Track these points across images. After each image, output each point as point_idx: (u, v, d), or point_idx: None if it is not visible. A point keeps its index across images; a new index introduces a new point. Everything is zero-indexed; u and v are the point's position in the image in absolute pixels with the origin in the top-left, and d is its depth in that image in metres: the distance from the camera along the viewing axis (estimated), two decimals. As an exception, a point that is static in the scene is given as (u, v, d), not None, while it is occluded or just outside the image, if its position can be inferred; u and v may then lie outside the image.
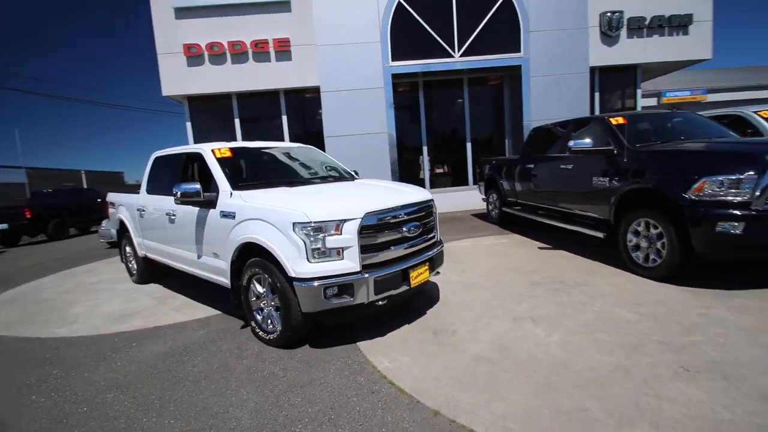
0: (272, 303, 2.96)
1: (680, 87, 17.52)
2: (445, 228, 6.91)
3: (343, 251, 2.71)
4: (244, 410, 2.20)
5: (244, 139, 9.40)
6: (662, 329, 2.73)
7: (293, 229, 2.68)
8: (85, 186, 22.15)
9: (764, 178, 3.06)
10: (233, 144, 3.96)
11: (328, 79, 8.68)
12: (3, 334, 3.81)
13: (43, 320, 4.14)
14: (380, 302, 2.87)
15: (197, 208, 3.54)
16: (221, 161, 3.59)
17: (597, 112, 9.87)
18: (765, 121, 5.02)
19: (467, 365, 2.49)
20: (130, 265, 5.35)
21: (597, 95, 9.98)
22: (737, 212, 3.11)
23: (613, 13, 9.28)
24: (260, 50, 8.86)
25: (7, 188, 20.07)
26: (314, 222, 2.66)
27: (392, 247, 2.93)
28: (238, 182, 3.41)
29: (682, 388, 2.05)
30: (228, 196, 3.25)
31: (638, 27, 9.41)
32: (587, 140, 4.51)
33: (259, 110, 9.65)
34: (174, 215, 3.89)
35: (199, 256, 3.65)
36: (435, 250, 3.34)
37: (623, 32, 9.46)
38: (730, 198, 3.18)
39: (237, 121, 9.42)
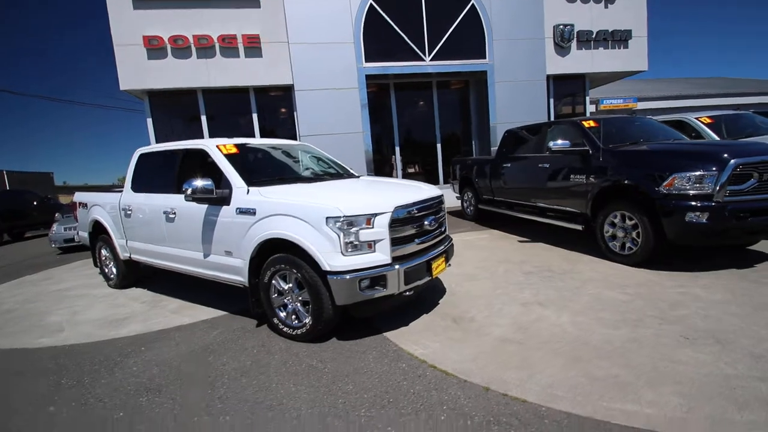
0: (299, 298, 2.96)
1: (615, 95, 19.35)
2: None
3: (374, 244, 2.79)
4: (300, 401, 2.22)
5: (211, 135, 9.00)
6: (653, 306, 3.12)
7: (326, 224, 2.72)
8: (7, 188, 19.75)
9: (723, 174, 3.59)
10: (236, 140, 3.87)
11: (302, 77, 8.60)
12: (-25, 349, 3.41)
13: (15, 331, 3.76)
14: (408, 292, 2.99)
15: (205, 206, 3.42)
16: (228, 158, 3.51)
17: (552, 117, 10.67)
18: (704, 126, 5.81)
19: (497, 347, 2.69)
20: (107, 270, 4.97)
21: (551, 101, 10.79)
22: (702, 204, 3.63)
23: (565, 26, 10.11)
24: (228, 45, 8.55)
25: None
26: (348, 216, 2.72)
27: (416, 240, 3.06)
28: (251, 179, 3.35)
29: (688, 353, 2.40)
30: (244, 193, 3.19)
31: (586, 40, 10.33)
32: (565, 141, 4.94)
33: (228, 107, 9.31)
34: (173, 214, 3.71)
35: (205, 255, 3.53)
36: (448, 243, 3.52)
37: (574, 44, 10.34)
38: (695, 191, 3.69)
39: (204, 118, 9.01)
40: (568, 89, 11.01)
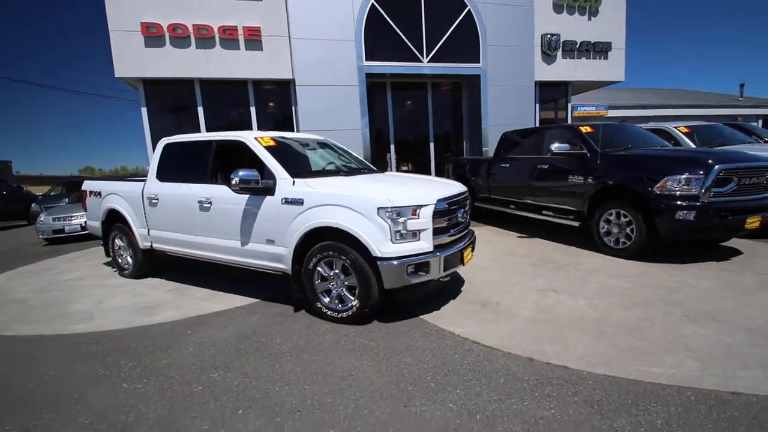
0: (345, 283, 3.18)
1: (588, 103, 20.42)
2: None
3: (419, 233, 3.06)
4: (367, 372, 2.45)
5: (208, 128, 8.93)
6: (654, 292, 3.55)
7: (377, 214, 2.96)
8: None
9: (708, 178, 4.10)
10: (270, 133, 4.01)
11: (303, 73, 8.68)
12: (8, 334, 3.40)
13: (42, 319, 3.75)
14: (445, 278, 3.27)
15: (245, 196, 3.56)
16: (269, 150, 3.66)
17: (537, 122, 11.25)
18: (682, 134, 6.43)
19: (528, 326, 3.02)
20: (120, 260, 4.95)
21: (537, 106, 11.38)
22: (690, 203, 4.12)
23: (552, 35, 10.69)
24: (229, 37, 8.51)
25: None
26: (397, 207, 2.97)
27: (451, 231, 3.35)
28: (293, 171, 3.52)
29: (692, 328, 2.81)
30: (290, 184, 3.36)
31: (571, 49, 10.97)
32: (566, 144, 5.37)
33: (225, 99, 9.23)
34: (208, 203, 3.81)
35: (243, 244, 3.66)
36: (472, 235, 3.83)
37: (559, 53, 10.95)
38: (684, 192, 4.18)
39: (200, 109, 8.91)
40: (552, 95, 11.63)
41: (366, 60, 9.03)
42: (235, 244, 3.72)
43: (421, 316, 3.29)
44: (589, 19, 10.96)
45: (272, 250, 3.48)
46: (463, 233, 3.56)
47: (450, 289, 3.93)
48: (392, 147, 10.26)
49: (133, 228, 4.57)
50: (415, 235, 3.05)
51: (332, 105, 8.89)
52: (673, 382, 2.17)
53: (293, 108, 9.38)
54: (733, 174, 4.15)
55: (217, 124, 9.05)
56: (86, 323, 3.57)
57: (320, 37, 8.67)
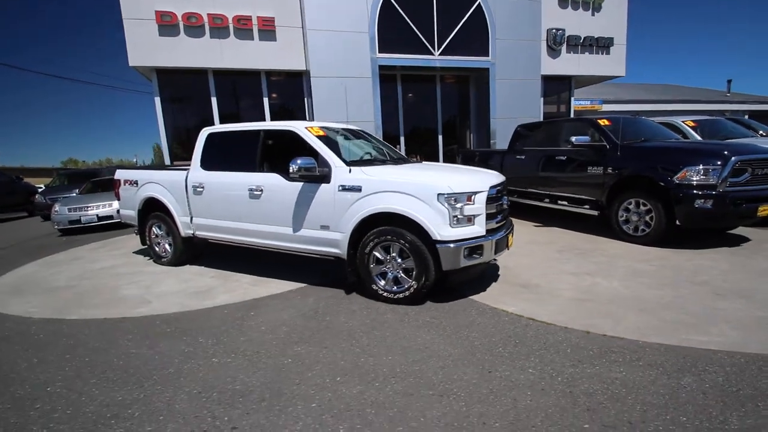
0: (402, 266, 3.37)
1: (584, 97, 20.85)
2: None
3: (474, 218, 3.26)
4: (441, 344, 2.66)
5: (221, 117, 8.95)
6: (679, 274, 3.84)
7: (437, 200, 3.15)
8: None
9: (725, 169, 4.39)
10: (316, 123, 4.14)
11: (318, 64, 8.75)
12: (73, 318, 3.51)
13: (98, 303, 3.86)
14: (494, 260, 3.49)
15: (298, 184, 3.71)
16: (321, 139, 3.80)
17: (542, 115, 11.53)
18: (689, 128, 6.77)
19: (574, 304, 3.26)
20: (158, 248, 5.05)
21: (541, 100, 11.65)
22: (708, 192, 4.42)
23: (557, 30, 10.94)
24: (243, 27, 8.52)
25: None
26: (456, 193, 3.16)
27: (498, 216, 3.56)
28: (344, 159, 3.67)
29: (724, 304, 3.09)
30: (347, 172, 3.52)
31: (575, 44, 11.25)
32: (586, 137, 5.63)
33: (238, 89, 9.26)
34: (259, 191, 3.95)
35: (295, 230, 3.82)
36: (511, 222, 4.05)
37: (564, 48, 11.22)
38: (702, 182, 4.47)
39: (214, 100, 8.92)
40: (556, 89, 11.92)
41: (379, 52, 9.13)
42: (286, 231, 3.87)
43: (471, 297, 3.52)
44: (593, 15, 11.24)
45: (327, 235, 3.64)
46: (506, 219, 3.78)
47: (489, 272, 4.16)
48: (402, 139, 10.42)
49: (175, 216, 4.67)
50: (470, 220, 3.25)
51: (346, 97, 8.97)
52: (722, 348, 2.44)
53: (306, 99, 9.45)
54: (747, 165, 4.46)
55: (231, 114, 9.08)
56: (145, 307, 3.69)
57: (335, 28, 8.73)
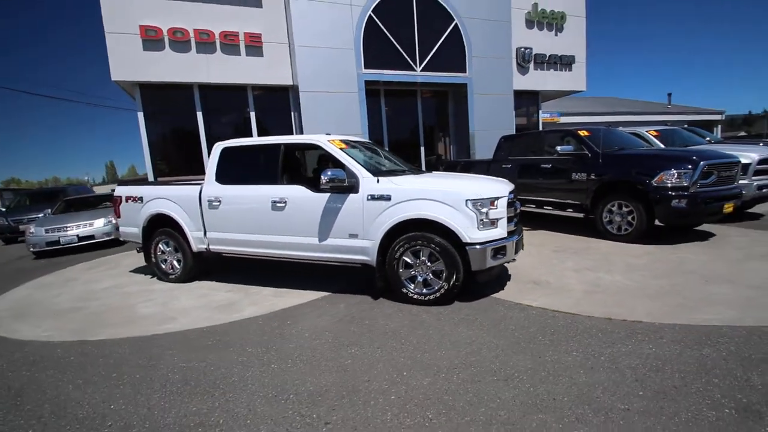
0: (432, 269, 3.58)
1: (544, 110, 22.25)
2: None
3: (497, 221, 3.54)
4: (486, 337, 2.88)
5: (207, 132, 8.85)
6: (668, 266, 4.30)
7: (465, 205, 3.41)
8: None
9: (696, 172, 4.99)
10: (336, 137, 4.31)
11: (306, 79, 8.89)
12: (99, 338, 3.41)
13: (120, 322, 3.77)
14: (513, 260, 3.78)
15: (324, 195, 3.85)
16: (344, 152, 3.97)
17: (514, 127, 12.24)
18: (653, 137, 7.53)
19: (587, 296, 3.60)
20: (164, 265, 4.94)
21: (514, 113, 12.39)
22: (682, 193, 4.99)
23: (525, 48, 11.76)
24: (230, 42, 8.55)
25: None
26: (482, 198, 3.44)
27: (515, 219, 3.87)
28: (371, 170, 3.86)
29: (715, 288, 3.54)
30: (375, 182, 3.71)
31: (541, 62, 12.12)
32: (570, 146, 6.15)
33: (224, 104, 9.19)
34: (282, 203, 4.03)
35: (321, 240, 3.93)
36: (521, 225, 4.38)
37: (531, 65, 12.06)
38: (677, 184, 5.05)
39: (200, 114, 8.81)
40: (525, 103, 12.72)
41: (365, 68, 9.43)
42: (312, 241, 3.98)
43: (492, 295, 3.77)
44: (556, 35, 12.19)
45: (356, 243, 3.79)
46: (519, 222, 4.10)
47: (502, 273, 4.45)
48: (387, 149, 10.70)
49: (187, 231, 4.63)
50: (493, 223, 3.53)
51: (334, 111, 9.17)
52: (725, 324, 2.83)
53: (292, 113, 9.55)
54: (714, 168, 5.10)
55: (218, 130, 9.00)
56: (172, 323, 3.65)
57: (322, 45, 8.94)
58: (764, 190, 6.17)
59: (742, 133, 39.38)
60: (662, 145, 7.39)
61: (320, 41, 8.91)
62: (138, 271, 5.72)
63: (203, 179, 4.60)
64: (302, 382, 2.44)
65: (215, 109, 9.07)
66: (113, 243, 8.08)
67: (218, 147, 4.57)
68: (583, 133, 6.37)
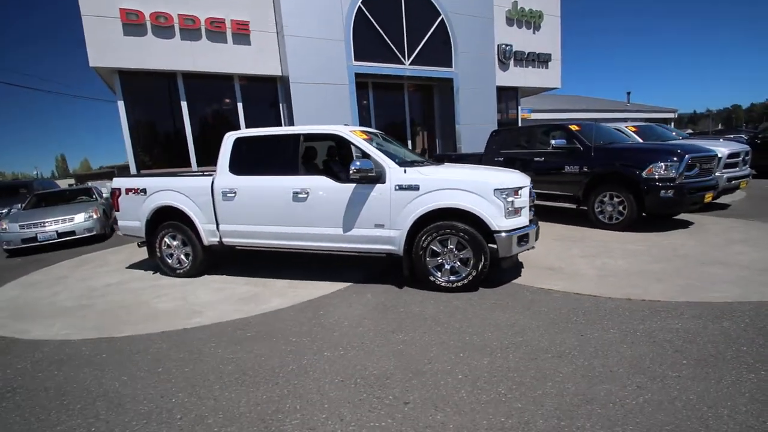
0: (459, 256, 3.69)
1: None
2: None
3: (521, 210, 3.71)
4: (523, 319, 3.03)
5: (192, 122, 8.50)
6: (665, 251, 4.66)
7: (494, 194, 3.54)
8: None
9: (681, 164, 5.41)
10: (356, 128, 4.31)
11: (297, 70, 8.73)
12: (126, 335, 3.27)
13: (141, 320, 3.63)
14: (533, 247, 3.97)
15: (351, 185, 3.86)
16: (368, 142, 3.99)
17: (496, 122, 12.61)
18: (632, 132, 8.03)
19: (602, 280, 3.85)
20: (170, 260, 4.76)
21: (496, 108, 12.75)
22: (670, 184, 5.40)
23: (506, 45, 12.11)
24: (216, 29, 8.23)
25: None
26: (508, 188, 3.59)
27: (533, 209, 4.06)
28: (393, 160, 3.91)
29: (712, 270, 3.89)
30: (402, 172, 3.76)
31: (521, 59, 12.53)
32: (563, 140, 6.46)
33: (209, 94, 8.86)
34: (305, 194, 4.00)
35: (347, 230, 3.95)
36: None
37: (512, 62, 12.44)
38: (664, 176, 5.45)
39: (184, 104, 8.44)
40: (506, 99, 13.12)
41: (355, 60, 9.37)
42: (336, 231, 3.98)
43: (513, 281, 3.95)
44: (534, 33, 12.63)
45: (382, 233, 3.84)
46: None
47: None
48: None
49: (197, 224, 4.48)
50: (517, 211, 3.69)
51: (325, 102, 9.07)
52: (734, 300, 3.14)
53: (281, 105, 9.35)
54: (697, 161, 5.54)
55: (204, 119, 8.67)
56: (199, 317, 3.55)
57: (311, 35, 8.80)
58: (732, 182, 6.78)
59: (689, 131, 42.72)
60: (640, 140, 7.91)
61: (310, 31, 8.77)
62: (134, 267, 5.47)
63: (192, 170, 4.47)
64: (363, 368, 2.48)
65: (201, 99, 8.72)
66: (93, 239, 7.64)
67: (230, 137, 4.44)
68: (574, 127, 6.70)
